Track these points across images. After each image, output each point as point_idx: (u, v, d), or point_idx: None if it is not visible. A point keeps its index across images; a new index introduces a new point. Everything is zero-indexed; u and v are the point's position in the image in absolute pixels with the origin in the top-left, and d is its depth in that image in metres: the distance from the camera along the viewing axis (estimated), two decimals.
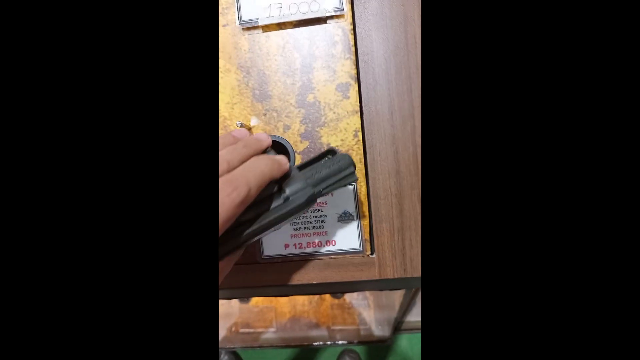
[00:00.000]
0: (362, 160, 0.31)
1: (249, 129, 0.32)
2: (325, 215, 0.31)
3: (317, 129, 0.31)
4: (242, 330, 0.86)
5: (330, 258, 0.32)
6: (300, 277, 0.32)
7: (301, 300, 0.87)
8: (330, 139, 0.31)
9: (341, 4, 0.30)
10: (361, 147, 0.31)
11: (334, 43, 0.31)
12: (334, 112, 0.31)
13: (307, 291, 0.36)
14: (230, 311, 0.88)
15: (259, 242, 0.32)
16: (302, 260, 0.32)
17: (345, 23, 0.31)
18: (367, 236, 0.31)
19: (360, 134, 0.31)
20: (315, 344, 0.88)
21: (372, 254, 0.31)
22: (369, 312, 0.86)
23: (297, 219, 0.31)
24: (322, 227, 0.31)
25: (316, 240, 0.31)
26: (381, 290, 0.41)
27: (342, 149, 0.31)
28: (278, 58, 0.31)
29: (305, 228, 0.31)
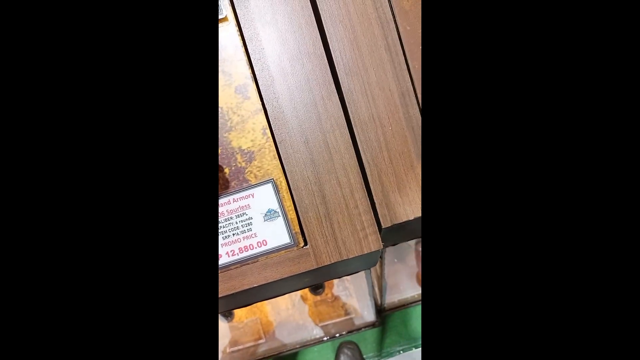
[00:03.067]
0: (276, 156, 0.31)
1: None
2: (251, 218, 0.31)
3: (225, 135, 0.31)
4: (231, 349, 0.85)
5: (266, 258, 0.32)
6: (241, 284, 0.32)
7: (284, 305, 0.87)
8: (240, 142, 0.31)
9: (220, 7, 0.30)
10: (272, 144, 0.31)
11: (224, 47, 0.31)
12: (238, 115, 0.31)
13: (257, 298, 0.36)
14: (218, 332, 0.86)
15: None
16: (239, 266, 0.32)
17: (230, 25, 0.31)
18: (297, 228, 0.32)
19: (268, 131, 0.31)
20: (309, 343, 0.88)
21: (305, 245, 0.32)
22: (352, 300, 0.87)
23: (224, 227, 0.31)
24: (250, 229, 0.31)
25: (247, 244, 0.31)
26: (338, 277, 0.42)
27: (254, 150, 0.31)
28: None
29: (233, 234, 0.31)
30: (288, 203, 0.32)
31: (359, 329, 0.87)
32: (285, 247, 0.31)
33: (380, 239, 0.32)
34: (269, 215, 0.31)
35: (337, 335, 0.86)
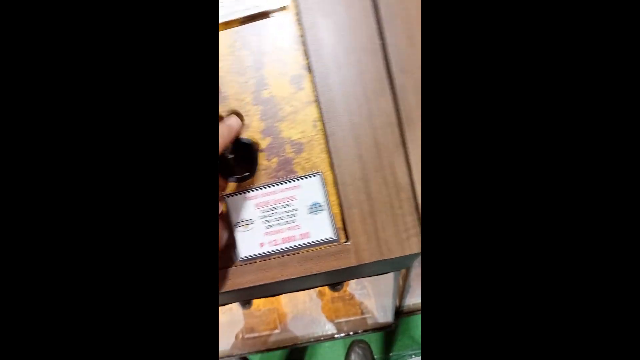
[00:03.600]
0: (325, 149, 0.31)
1: None
2: (296, 209, 0.31)
3: (276, 124, 0.31)
4: (247, 335, 0.86)
5: (307, 251, 0.32)
6: (280, 274, 0.32)
7: (301, 297, 0.87)
8: (290, 133, 0.31)
9: None
10: (322, 137, 0.31)
11: (282, 36, 0.31)
12: (291, 105, 0.31)
13: (291, 288, 0.36)
14: (234, 318, 0.88)
15: (234, 244, 0.32)
16: (280, 256, 0.32)
17: (290, 14, 0.31)
18: (341, 224, 0.31)
19: (319, 123, 0.31)
20: (322, 338, 0.88)
21: (347, 241, 0.31)
22: (370, 301, 0.87)
23: (268, 216, 0.31)
24: (293, 221, 0.31)
25: (290, 235, 0.31)
26: (368, 276, 0.41)
27: (304, 141, 0.31)
28: (229, 58, 0.31)
29: (277, 224, 0.31)
30: (333, 198, 0.31)
31: (374, 330, 0.86)
32: (327, 242, 0.31)
33: (421, 241, 0.31)
34: (314, 208, 0.31)
35: (351, 333, 0.86)
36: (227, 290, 0.33)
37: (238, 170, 0.32)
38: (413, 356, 0.94)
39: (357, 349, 0.98)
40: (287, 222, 0.31)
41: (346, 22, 0.31)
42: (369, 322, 0.87)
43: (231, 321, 0.87)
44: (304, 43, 0.31)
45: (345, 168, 0.31)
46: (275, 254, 0.32)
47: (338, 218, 0.31)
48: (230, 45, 0.31)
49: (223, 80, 0.31)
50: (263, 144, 0.31)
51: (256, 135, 0.31)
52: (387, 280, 0.83)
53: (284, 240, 0.31)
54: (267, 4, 0.30)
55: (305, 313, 0.86)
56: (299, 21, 0.31)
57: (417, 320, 0.92)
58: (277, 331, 0.86)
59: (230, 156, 0.31)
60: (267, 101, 0.31)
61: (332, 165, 0.31)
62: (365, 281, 0.86)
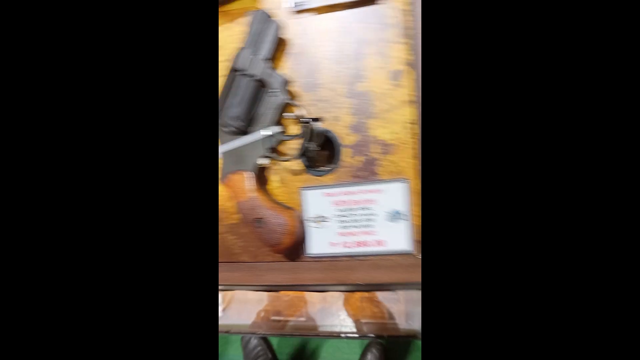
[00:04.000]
0: (416, 155, 0.29)
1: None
2: (375, 214, 0.29)
3: (364, 120, 0.29)
4: (273, 317, 0.88)
5: (380, 259, 0.30)
6: (347, 277, 0.31)
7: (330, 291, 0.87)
8: (379, 132, 0.29)
9: None
10: (415, 141, 0.29)
11: (387, 26, 0.28)
12: (385, 103, 0.29)
13: (347, 289, 0.35)
14: (260, 297, 0.90)
15: (304, 238, 0.31)
16: (349, 260, 0.31)
17: (401, 3, 0.28)
18: (419, 237, 0.29)
19: (414, 126, 0.29)
20: (342, 335, 0.88)
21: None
22: (398, 307, 0.84)
23: (345, 216, 0.30)
24: (371, 226, 0.30)
25: (364, 240, 0.30)
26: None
27: (393, 143, 0.29)
28: (329, 44, 0.29)
29: (353, 227, 0.30)
30: (415, 208, 0.29)
31: (397, 337, 0.84)
32: (402, 253, 0.29)
33: None
34: (395, 216, 0.29)
35: (373, 335, 0.85)
36: (290, 284, 0.32)
37: (319, 164, 0.31)
38: None
39: (373, 350, 0.97)
40: (363, 226, 0.30)
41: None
42: (390, 327, 0.85)
43: (257, 299, 0.89)
44: (412, 37, 0.28)
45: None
46: (345, 256, 0.30)
47: (417, 230, 0.29)
48: (331, 31, 0.29)
49: (319, 67, 0.30)
50: (349, 140, 0.30)
51: (343, 130, 0.30)
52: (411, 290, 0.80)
53: (357, 244, 0.30)
54: None
55: (332, 306, 0.86)
56: (412, 12, 0.28)
57: None
58: (302, 318, 0.87)
59: (313, 149, 0.29)
60: (360, 95, 0.29)
61: (422, 174, 0.29)
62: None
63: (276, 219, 0.28)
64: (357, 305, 0.95)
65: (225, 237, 0.33)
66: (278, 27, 0.28)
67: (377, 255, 0.30)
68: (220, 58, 0.30)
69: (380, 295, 0.92)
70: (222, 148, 0.29)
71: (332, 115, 0.30)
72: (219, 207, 0.33)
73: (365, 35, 0.29)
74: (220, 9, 0.31)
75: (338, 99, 0.30)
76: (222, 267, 0.34)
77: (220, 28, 0.31)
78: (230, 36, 0.31)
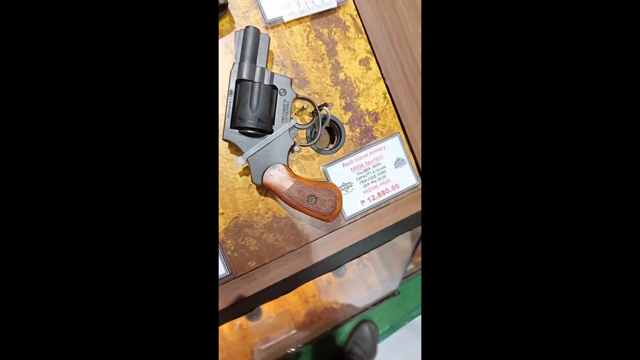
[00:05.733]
0: (396, 115, 0.38)
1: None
2: (385, 166, 0.37)
3: (354, 100, 0.37)
4: (262, 347, 0.84)
5: (396, 200, 0.38)
6: (379, 224, 0.37)
7: (310, 292, 0.90)
8: (367, 105, 0.37)
9: None
10: (392, 105, 0.38)
11: (347, 27, 0.37)
12: (363, 83, 0.37)
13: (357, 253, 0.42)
14: (245, 334, 0.85)
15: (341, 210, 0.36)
16: (375, 210, 0.37)
17: (351, 9, 0.37)
18: (417, 172, 0.39)
19: (387, 95, 0.38)
20: (339, 323, 0.91)
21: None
22: (372, 277, 0.94)
23: (363, 176, 0.37)
24: (384, 176, 0.37)
25: (384, 189, 0.37)
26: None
27: (378, 111, 0.38)
28: (306, 48, 0.36)
29: (372, 182, 0.37)
30: (409, 153, 0.39)
31: (380, 301, 0.94)
32: (412, 188, 0.38)
33: None
34: (398, 162, 0.38)
35: (361, 310, 0.92)
36: (340, 249, 0.36)
37: (330, 143, 0.37)
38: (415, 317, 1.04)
39: (366, 329, 1.04)
40: (379, 179, 0.37)
41: (392, 15, 0.39)
42: (374, 297, 0.95)
43: (244, 337, 0.84)
44: (366, 32, 0.38)
45: (413, 128, 0.38)
46: (371, 209, 0.37)
47: (414, 167, 0.39)
48: (305, 37, 0.36)
49: (304, 68, 0.36)
50: (346, 118, 0.37)
51: (339, 111, 0.37)
52: (387, 253, 0.92)
53: (379, 195, 0.37)
54: (333, 2, 0.36)
55: (316, 306, 0.89)
56: (358, 15, 0.37)
57: (416, 282, 1.02)
58: (293, 332, 0.86)
59: (322, 132, 0.35)
60: (343, 82, 0.37)
61: (403, 127, 0.38)
62: (365, 259, 0.93)
63: (326, 192, 0.33)
64: (338, 291, 1.00)
65: (266, 237, 0.35)
66: (269, 39, 0.33)
67: (395, 196, 0.38)
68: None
69: (355, 272, 0.99)
70: (251, 150, 0.31)
71: (326, 102, 0.36)
72: (252, 212, 0.34)
73: (333, 36, 0.37)
74: None
75: (327, 88, 0.36)
76: (271, 266, 0.35)
77: None
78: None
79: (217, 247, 0.33)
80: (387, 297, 0.94)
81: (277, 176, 0.32)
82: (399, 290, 0.96)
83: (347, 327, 1.04)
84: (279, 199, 0.34)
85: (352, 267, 0.92)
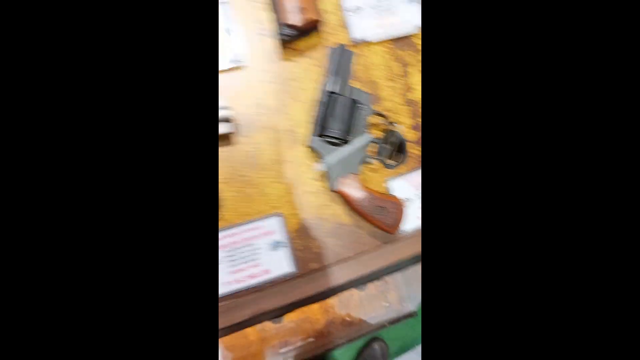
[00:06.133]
0: None
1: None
2: None
3: (419, 120, 0.39)
4: (282, 350, 0.85)
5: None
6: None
7: (331, 302, 0.90)
8: None
9: (418, 24, 0.39)
10: None
11: (417, 51, 0.40)
12: None
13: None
14: (265, 335, 0.85)
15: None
16: None
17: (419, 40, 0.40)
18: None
19: None
20: (348, 339, 0.91)
21: None
22: (393, 294, 0.95)
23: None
24: None
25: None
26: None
27: None
28: (382, 67, 0.38)
29: None
30: None
31: (398, 320, 0.94)
32: None
33: None
34: None
35: (381, 327, 0.92)
36: (392, 262, 0.38)
37: (393, 158, 0.39)
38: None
39: (376, 347, 1.03)
40: None
41: None
42: (391, 315, 0.95)
43: (264, 338, 0.84)
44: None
45: None
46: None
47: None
48: (384, 58, 0.38)
49: (378, 85, 0.38)
50: (412, 136, 0.39)
51: (406, 129, 0.39)
52: (407, 271, 0.92)
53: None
54: (408, 29, 0.39)
55: (335, 316, 0.89)
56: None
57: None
58: (311, 339, 0.87)
59: (391, 148, 0.37)
60: (412, 103, 0.39)
61: None
62: (387, 276, 0.94)
63: (393, 204, 0.34)
64: (357, 305, 1.00)
65: (327, 242, 0.37)
66: (354, 57, 0.35)
67: None
68: (299, 84, 0.36)
69: (376, 288, 0.99)
70: (331, 157, 0.34)
71: (396, 120, 0.39)
72: (319, 216, 0.36)
73: (405, 58, 0.39)
74: (291, 46, 0.36)
75: (398, 107, 0.39)
76: (330, 269, 0.37)
77: (293, 61, 0.36)
78: (297, 64, 0.36)
79: (217, 248, 0.34)
80: (405, 317, 0.94)
81: (350, 185, 0.34)
82: (417, 311, 0.96)
83: (358, 343, 1.04)
84: (348, 207, 0.36)
85: (373, 282, 0.92)
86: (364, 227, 0.37)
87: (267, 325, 0.87)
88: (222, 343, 0.58)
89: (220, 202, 0.34)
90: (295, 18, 0.33)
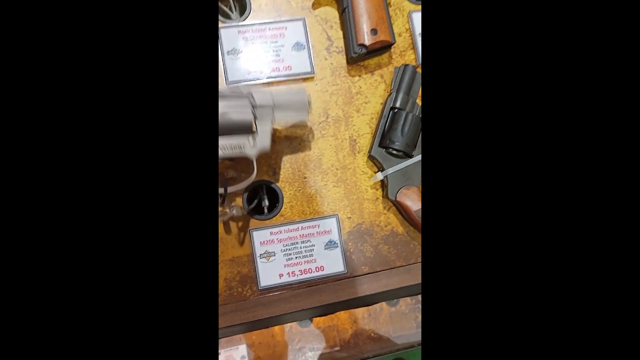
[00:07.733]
0: None
1: None
2: None
3: None
4: (308, 354, 0.86)
5: None
6: None
7: (361, 313, 0.90)
8: None
9: None
10: None
11: None
12: None
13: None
14: (291, 337, 0.87)
15: None
16: None
17: None
18: None
19: None
20: (374, 356, 0.90)
21: None
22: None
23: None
24: None
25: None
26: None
27: None
28: None
29: None
30: None
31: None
32: None
33: None
34: None
35: (408, 348, 0.90)
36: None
37: None
38: None
39: None
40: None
41: None
42: (419, 338, 0.92)
43: (291, 340, 0.86)
44: None
45: None
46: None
47: None
48: None
49: None
50: None
51: None
52: None
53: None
54: None
55: (364, 329, 0.89)
56: None
57: None
58: (336, 348, 0.87)
59: None
60: None
61: None
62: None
63: None
64: (387, 321, 0.99)
65: (381, 248, 0.38)
66: (421, 77, 0.37)
67: None
68: (364, 98, 0.38)
69: (407, 306, 0.96)
70: (393, 168, 0.36)
71: None
72: (374, 222, 0.38)
73: None
74: (361, 63, 0.39)
75: None
76: (381, 275, 0.38)
77: (361, 77, 0.39)
78: (364, 80, 0.39)
79: (217, 249, 0.35)
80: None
81: (410, 196, 0.36)
82: None
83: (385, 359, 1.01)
84: (404, 217, 0.38)
85: (405, 300, 0.91)
86: (417, 238, 0.38)
87: (295, 327, 0.89)
88: (247, 339, 0.60)
89: (285, 200, 0.37)
90: (367, 38, 0.36)
